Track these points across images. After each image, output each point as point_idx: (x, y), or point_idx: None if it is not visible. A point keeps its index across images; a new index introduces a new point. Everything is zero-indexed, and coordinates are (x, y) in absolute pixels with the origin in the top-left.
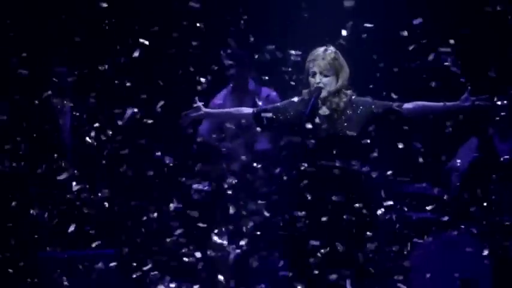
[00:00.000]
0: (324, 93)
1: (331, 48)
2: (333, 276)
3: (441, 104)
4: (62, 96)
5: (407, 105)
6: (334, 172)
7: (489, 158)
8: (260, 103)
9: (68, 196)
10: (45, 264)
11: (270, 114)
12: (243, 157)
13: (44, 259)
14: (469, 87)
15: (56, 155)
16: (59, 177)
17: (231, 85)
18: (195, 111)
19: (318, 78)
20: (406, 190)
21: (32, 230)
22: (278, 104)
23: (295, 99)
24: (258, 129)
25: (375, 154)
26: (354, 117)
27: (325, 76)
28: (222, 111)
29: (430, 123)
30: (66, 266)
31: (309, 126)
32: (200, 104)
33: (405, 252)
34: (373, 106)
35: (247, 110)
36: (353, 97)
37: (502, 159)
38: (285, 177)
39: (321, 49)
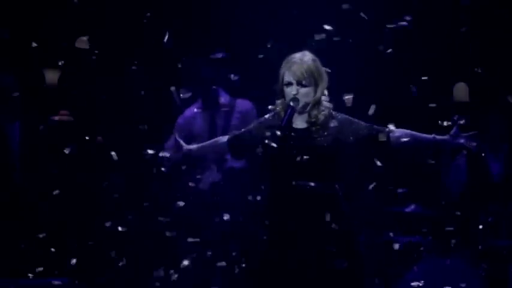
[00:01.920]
0: (301, 105)
1: (309, 54)
2: None
3: (430, 136)
4: (8, 110)
5: (394, 133)
6: (310, 193)
7: (482, 177)
8: (234, 118)
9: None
10: None
11: (243, 142)
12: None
13: None
14: (458, 122)
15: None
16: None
17: (200, 101)
18: (176, 151)
19: (294, 88)
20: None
21: None
22: (251, 126)
23: (267, 115)
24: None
25: (356, 173)
26: (334, 133)
27: (303, 86)
28: (200, 147)
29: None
30: None
31: (283, 140)
32: (181, 141)
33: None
34: (355, 127)
35: (223, 139)
36: (333, 112)
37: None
38: (258, 197)
39: (298, 55)
